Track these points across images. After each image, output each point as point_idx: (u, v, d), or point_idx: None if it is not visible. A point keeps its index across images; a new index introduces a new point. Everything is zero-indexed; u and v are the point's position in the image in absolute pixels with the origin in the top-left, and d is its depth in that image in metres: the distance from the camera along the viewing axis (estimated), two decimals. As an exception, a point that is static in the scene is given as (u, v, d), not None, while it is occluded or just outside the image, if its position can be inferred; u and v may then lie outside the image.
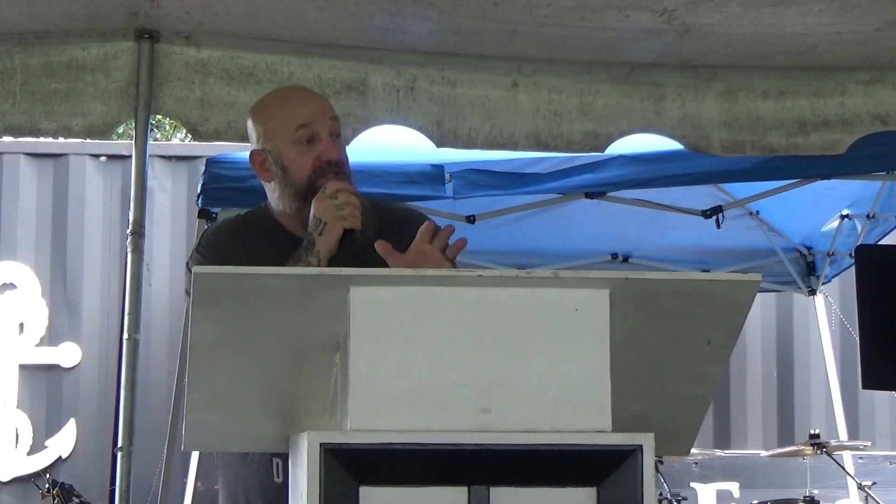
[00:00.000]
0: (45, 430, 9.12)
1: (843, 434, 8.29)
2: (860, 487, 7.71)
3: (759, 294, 3.23)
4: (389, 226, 3.31)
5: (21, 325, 9.18)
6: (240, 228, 3.46)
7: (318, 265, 3.16)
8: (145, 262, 4.96)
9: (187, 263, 3.41)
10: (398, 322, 2.52)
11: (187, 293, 3.29)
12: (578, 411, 2.51)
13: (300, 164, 3.31)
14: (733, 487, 8.75)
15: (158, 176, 9.36)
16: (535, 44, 4.95)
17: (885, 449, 9.40)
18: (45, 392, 9.18)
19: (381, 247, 3.13)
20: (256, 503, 3.30)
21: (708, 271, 7.19)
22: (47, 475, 6.79)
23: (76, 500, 6.26)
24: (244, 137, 5.01)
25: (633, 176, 5.83)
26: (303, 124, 3.32)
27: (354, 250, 3.22)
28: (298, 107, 3.37)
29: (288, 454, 2.76)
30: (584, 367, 2.53)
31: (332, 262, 3.20)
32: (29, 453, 9.09)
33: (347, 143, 4.89)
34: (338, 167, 3.30)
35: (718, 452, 8.40)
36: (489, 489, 2.46)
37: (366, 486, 2.44)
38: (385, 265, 3.10)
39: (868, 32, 4.86)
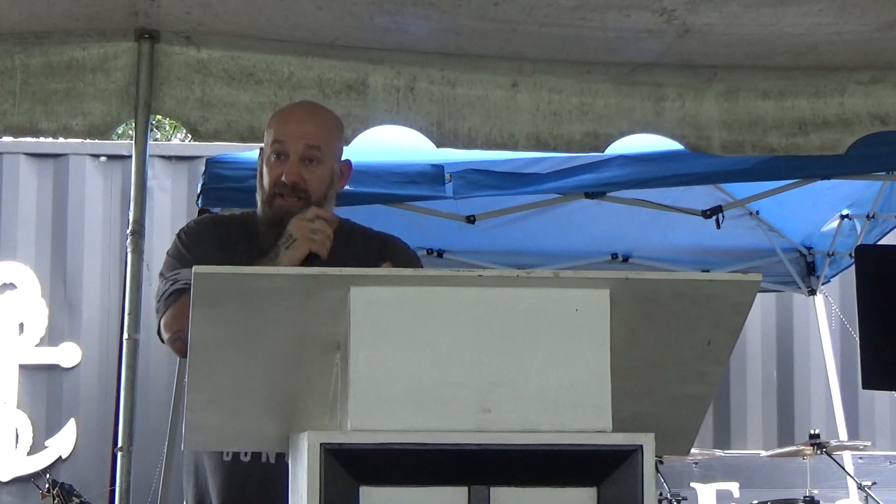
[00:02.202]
0: (45, 430, 9.12)
1: (843, 434, 8.29)
2: (860, 487, 7.72)
3: (759, 294, 3.23)
4: (375, 251, 3.48)
5: (21, 325, 9.18)
6: (225, 222, 3.66)
7: None
8: (145, 262, 4.97)
9: (168, 252, 3.59)
10: (398, 322, 2.52)
11: (161, 276, 3.54)
12: (578, 411, 2.51)
13: (269, 174, 3.50)
14: (733, 487, 8.76)
15: (158, 176, 9.36)
16: (535, 44, 4.95)
17: (885, 449, 9.41)
18: (45, 392, 9.18)
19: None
20: (211, 480, 3.47)
21: (708, 271, 7.20)
22: (47, 475, 6.79)
23: (76, 500, 6.25)
24: (244, 137, 5.04)
25: (633, 176, 5.83)
26: (278, 140, 3.50)
27: None
28: (286, 124, 3.54)
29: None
30: (585, 367, 2.53)
31: None
32: (29, 453, 9.09)
33: (347, 144, 4.92)
34: (294, 191, 3.45)
35: (718, 452, 8.40)
36: (489, 489, 2.46)
37: (366, 486, 2.44)
38: None
39: (868, 32, 4.86)
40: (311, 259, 3.34)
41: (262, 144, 3.60)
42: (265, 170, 3.51)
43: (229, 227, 3.59)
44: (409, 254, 3.62)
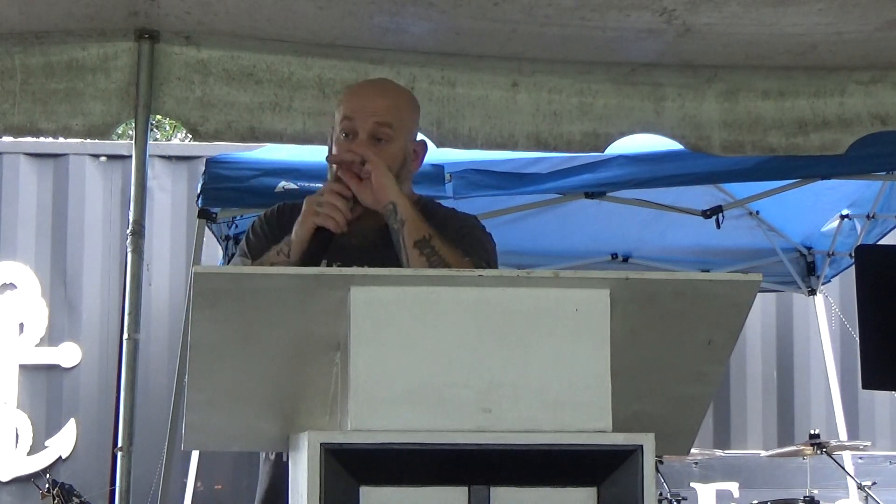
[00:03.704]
0: (45, 430, 9.12)
1: (843, 434, 8.29)
2: (860, 487, 7.71)
3: (759, 294, 3.22)
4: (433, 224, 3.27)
5: (21, 325, 9.18)
6: (289, 211, 3.43)
7: (288, 253, 3.18)
8: (145, 262, 4.96)
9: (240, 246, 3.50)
10: (398, 322, 2.52)
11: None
12: (578, 411, 2.51)
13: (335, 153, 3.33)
14: (733, 487, 8.75)
15: (158, 176, 9.36)
16: (535, 44, 4.95)
17: (885, 449, 9.40)
18: (45, 392, 9.18)
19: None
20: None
21: (708, 271, 7.19)
22: (47, 475, 6.78)
23: (76, 500, 6.25)
24: (244, 137, 5.03)
25: (633, 176, 5.83)
26: (347, 116, 3.33)
27: (350, 251, 3.23)
28: (356, 99, 3.39)
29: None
30: (585, 367, 2.53)
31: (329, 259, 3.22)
32: (29, 453, 9.09)
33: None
34: (353, 167, 3.24)
35: (718, 452, 8.40)
36: (489, 489, 2.46)
37: (366, 486, 2.44)
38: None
39: (868, 32, 4.86)
40: (321, 234, 3.17)
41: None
42: (334, 149, 3.32)
43: (293, 216, 3.35)
44: (470, 224, 3.43)
